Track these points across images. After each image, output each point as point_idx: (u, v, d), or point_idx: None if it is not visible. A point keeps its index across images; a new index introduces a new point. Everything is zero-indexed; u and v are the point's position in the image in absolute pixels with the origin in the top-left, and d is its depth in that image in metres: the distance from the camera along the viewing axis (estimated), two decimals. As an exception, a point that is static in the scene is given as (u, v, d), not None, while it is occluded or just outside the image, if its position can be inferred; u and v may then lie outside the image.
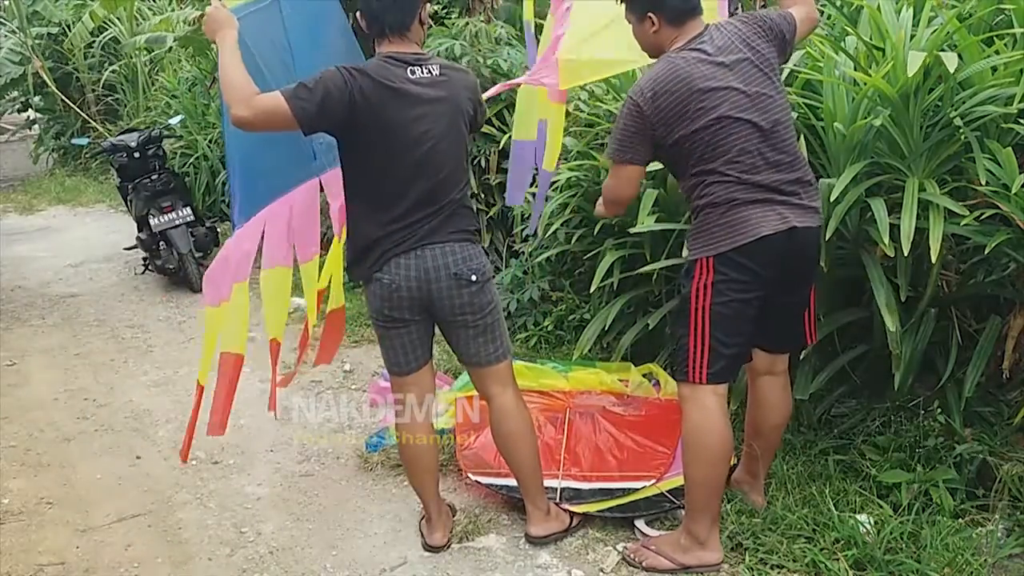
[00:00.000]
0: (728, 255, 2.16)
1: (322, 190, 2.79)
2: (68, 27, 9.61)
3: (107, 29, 9.70)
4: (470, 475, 2.79)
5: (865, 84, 2.46)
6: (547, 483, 2.58)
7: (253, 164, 2.49)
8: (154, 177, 5.51)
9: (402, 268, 2.25)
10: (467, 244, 2.32)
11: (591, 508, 2.59)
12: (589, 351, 3.48)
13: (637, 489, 2.60)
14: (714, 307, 2.19)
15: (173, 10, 8.53)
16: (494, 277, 2.42)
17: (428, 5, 2.31)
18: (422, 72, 2.22)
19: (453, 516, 2.63)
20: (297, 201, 2.69)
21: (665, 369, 3.19)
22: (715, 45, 2.17)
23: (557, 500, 2.60)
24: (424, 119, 2.21)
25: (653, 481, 2.61)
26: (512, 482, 2.60)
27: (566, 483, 2.66)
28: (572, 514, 2.57)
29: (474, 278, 2.29)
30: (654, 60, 2.28)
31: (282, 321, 2.82)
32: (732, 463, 2.62)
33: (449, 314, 2.33)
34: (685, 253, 2.36)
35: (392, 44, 2.23)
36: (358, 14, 2.27)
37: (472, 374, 2.51)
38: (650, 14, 2.21)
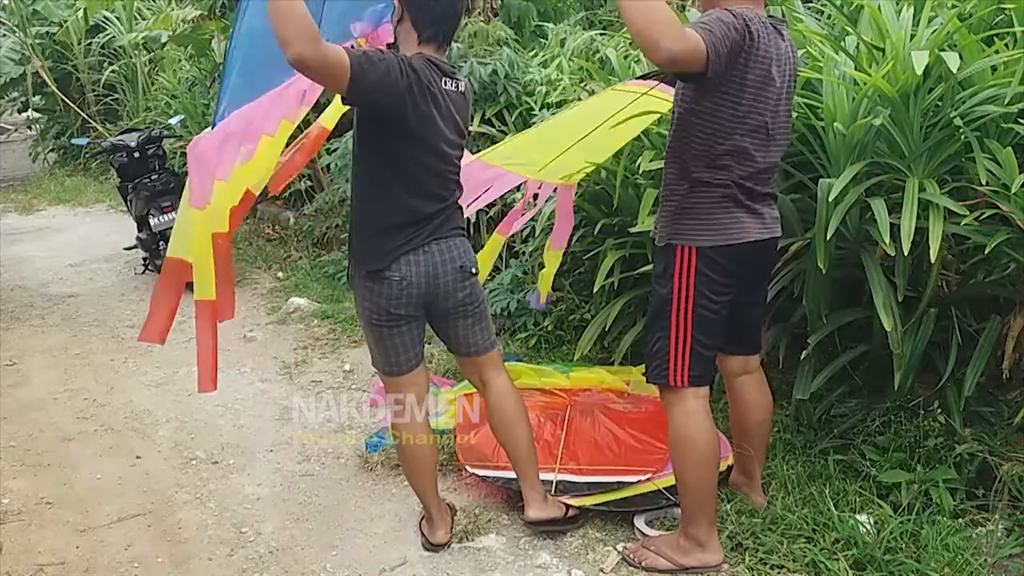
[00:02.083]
0: (711, 255, 2.16)
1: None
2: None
3: (106, 29, 9.70)
4: (468, 467, 2.79)
5: (865, 84, 2.46)
6: (543, 476, 2.60)
7: (251, 68, 2.43)
8: (154, 177, 5.52)
9: (412, 264, 2.29)
10: (462, 239, 2.42)
11: (586, 501, 2.59)
12: (589, 351, 3.49)
13: (631, 483, 2.61)
14: (696, 308, 2.19)
15: (172, 9, 8.52)
16: None
17: None
18: (451, 85, 2.28)
19: (453, 515, 2.63)
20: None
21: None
22: (786, 50, 2.12)
23: (552, 493, 2.61)
24: (444, 128, 2.26)
25: (648, 476, 2.62)
26: (509, 474, 2.62)
27: (562, 476, 2.67)
28: (568, 504, 2.59)
29: (473, 270, 2.41)
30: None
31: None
32: (729, 463, 2.63)
33: (452, 306, 2.39)
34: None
35: (434, 50, 2.26)
36: (404, 11, 2.24)
37: (467, 364, 2.56)
38: None
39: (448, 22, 2.27)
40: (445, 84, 2.25)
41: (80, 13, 9.02)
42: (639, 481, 2.61)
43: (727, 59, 1.96)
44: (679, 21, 1.87)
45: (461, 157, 2.40)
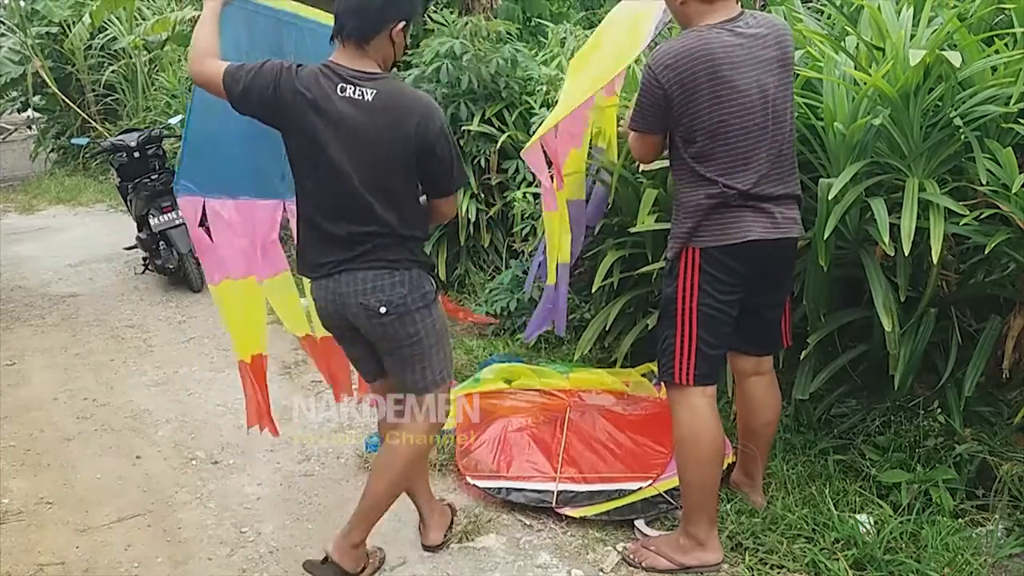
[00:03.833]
0: (714, 254, 2.16)
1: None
2: (68, 26, 9.61)
3: (107, 29, 9.70)
4: (468, 479, 2.79)
5: (865, 84, 2.46)
6: (544, 486, 2.59)
7: (219, 142, 2.46)
8: (154, 177, 5.52)
9: (322, 290, 2.20)
10: (383, 272, 2.12)
11: (588, 512, 2.58)
12: (589, 351, 3.48)
13: (634, 491, 2.60)
14: (701, 307, 2.19)
15: (172, 11, 8.53)
16: (429, 307, 2.20)
17: (408, 27, 2.10)
18: (352, 93, 2.03)
19: (453, 516, 2.62)
20: (262, 224, 2.64)
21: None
22: (751, 32, 2.11)
23: (554, 503, 2.60)
24: (337, 143, 2.04)
25: (650, 482, 2.61)
26: (512, 484, 2.62)
27: (563, 486, 2.66)
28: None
29: (383, 310, 2.12)
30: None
31: (258, 334, 2.72)
32: (730, 461, 2.63)
33: (374, 340, 2.23)
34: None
35: (344, 53, 2.08)
36: None
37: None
38: None
39: (351, 16, 2.03)
40: (342, 92, 2.02)
41: (86, 18, 9.03)
42: (640, 488, 2.60)
43: (666, 124, 2.18)
44: None
45: (399, 186, 2.10)
